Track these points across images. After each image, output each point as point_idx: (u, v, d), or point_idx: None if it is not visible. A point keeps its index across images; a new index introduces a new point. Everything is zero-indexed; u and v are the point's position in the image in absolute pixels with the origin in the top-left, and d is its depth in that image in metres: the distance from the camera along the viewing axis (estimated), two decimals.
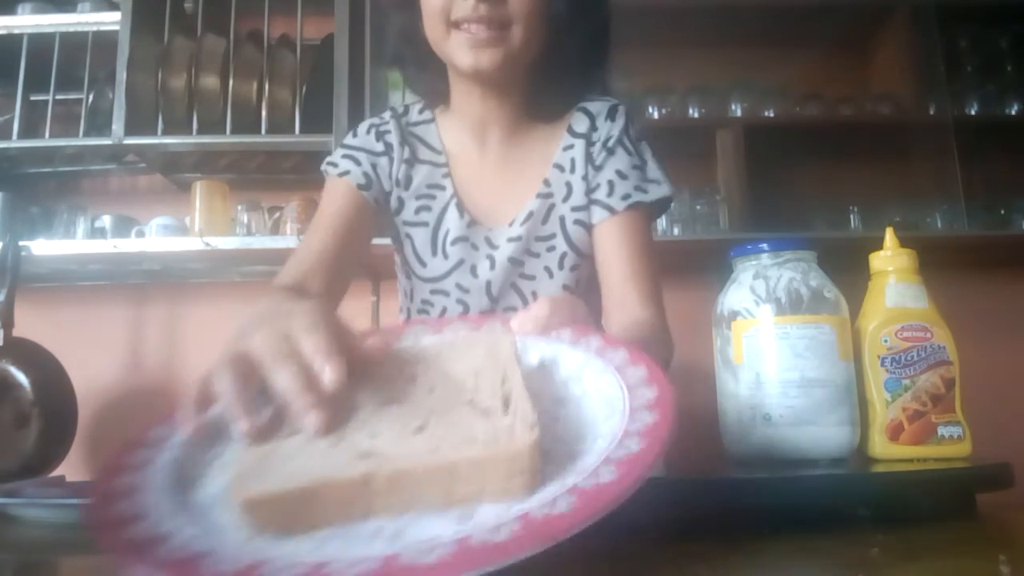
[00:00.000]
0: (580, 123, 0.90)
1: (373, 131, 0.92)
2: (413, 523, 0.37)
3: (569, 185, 0.88)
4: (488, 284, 0.88)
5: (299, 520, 0.37)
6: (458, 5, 0.76)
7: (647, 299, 0.82)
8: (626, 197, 0.86)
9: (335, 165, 0.91)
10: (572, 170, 0.88)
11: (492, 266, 0.87)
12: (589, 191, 0.88)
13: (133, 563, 0.34)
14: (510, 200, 0.89)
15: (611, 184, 0.86)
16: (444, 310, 0.89)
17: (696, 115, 1.96)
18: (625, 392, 0.45)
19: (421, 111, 0.94)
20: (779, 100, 1.97)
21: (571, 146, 0.89)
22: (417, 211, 0.90)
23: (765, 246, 0.68)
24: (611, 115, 0.89)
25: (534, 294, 0.87)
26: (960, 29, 1.97)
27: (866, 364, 0.66)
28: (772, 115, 1.96)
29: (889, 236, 0.70)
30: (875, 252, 0.70)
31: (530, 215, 0.88)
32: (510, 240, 0.87)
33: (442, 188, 0.90)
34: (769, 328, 0.64)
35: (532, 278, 0.88)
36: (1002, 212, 1.92)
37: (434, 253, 0.89)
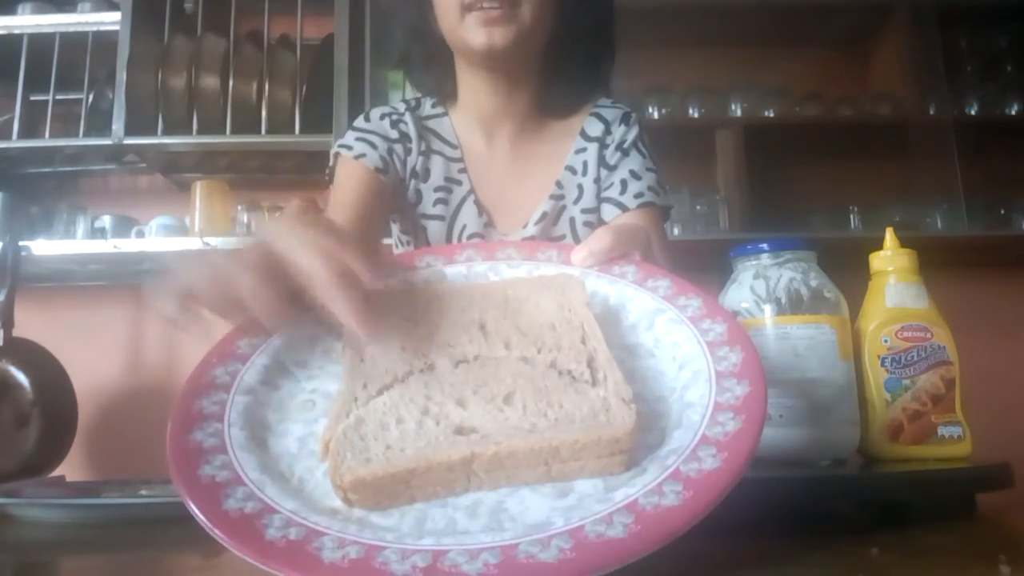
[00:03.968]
0: (593, 127, 0.92)
1: (387, 119, 0.91)
2: (510, 496, 0.37)
3: (580, 188, 0.90)
4: None
5: (399, 497, 0.37)
6: None
7: None
8: (639, 196, 0.88)
9: (349, 148, 0.89)
10: (584, 173, 0.90)
11: None
12: (603, 187, 0.90)
13: (242, 547, 0.34)
14: (522, 200, 0.90)
15: (624, 183, 0.88)
16: None
17: (696, 115, 1.96)
18: (707, 353, 0.43)
19: (433, 105, 0.94)
20: (779, 100, 1.97)
21: (584, 149, 0.91)
22: (435, 203, 0.90)
23: (765, 246, 0.68)
24: (625, 121, 0.92)
25: None
26: (960, 29, 1.97)
27: (866, 364, 0.66)
28: (772, 115, 1.96)
29: (889, 236, 0.70)
30: (875, 252, 0.70)
31: (543, 215, 0.89)
32: (524, 239, 0.88)
33: (459, 183, 0.90)
34: (769, 328, 0.64)
35: None
36: (1002, 212, 1.93)
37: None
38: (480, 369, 0.43)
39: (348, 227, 0.81)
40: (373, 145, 0.88)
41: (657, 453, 0.38)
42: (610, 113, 0.93)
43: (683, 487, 0.35)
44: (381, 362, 0.44)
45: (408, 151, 0.90)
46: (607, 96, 0.96)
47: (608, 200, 0.89)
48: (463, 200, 0.90)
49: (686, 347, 0.44)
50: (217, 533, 0.35)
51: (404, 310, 0.49)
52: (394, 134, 0.90)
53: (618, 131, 0.91)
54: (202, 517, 0.36)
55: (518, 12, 0.80)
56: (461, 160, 0.91)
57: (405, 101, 0.95)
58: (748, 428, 0.37)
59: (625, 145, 0.90)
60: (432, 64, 0.91)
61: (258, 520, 0.35)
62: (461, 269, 0.55)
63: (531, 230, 0.88)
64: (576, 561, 0.31)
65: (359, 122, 0.92)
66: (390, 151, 0.88)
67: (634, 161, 0.90)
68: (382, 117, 0.92)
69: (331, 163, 0.92)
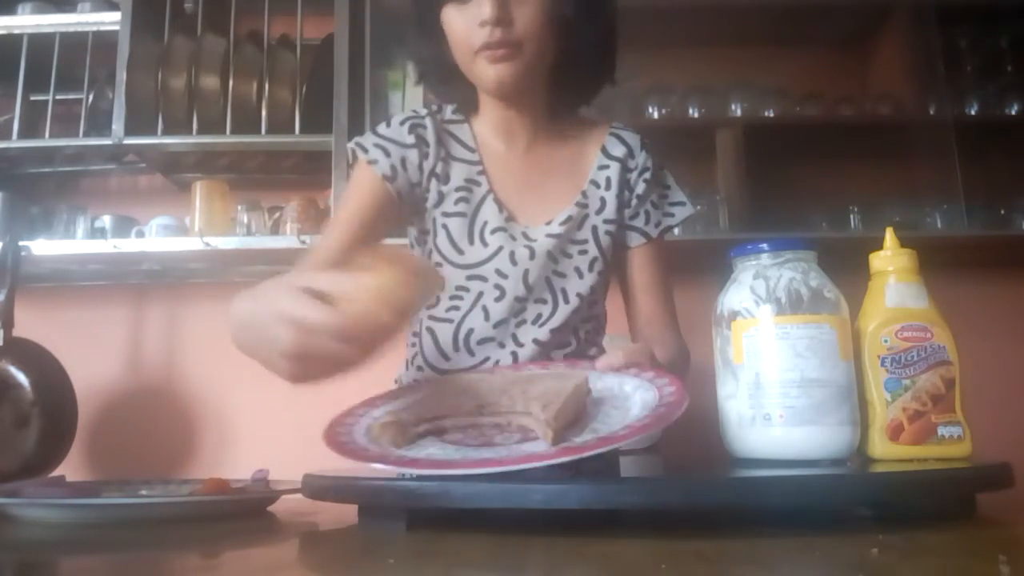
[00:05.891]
0: (615, 147, 1.00)
1: (407, 124, 0.98)
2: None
3: (603, 200, 0.98)
4: (526, 273, 0.93)
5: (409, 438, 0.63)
6: (477, 34, 0.87)
7: (670, 315, 1.01)
8: (658, 224, 1.01)
9: (365, 150, 0.96)
10: (608, 188, 0.98)
11: (532, 256, 0.93)
12: (628, 215, 1.00)
13: (349, 455, 0.59)
14: (544, 202, 0.97)
15: (647, 214, 1.00)
16: (480, 295, 0.93)
17: (696, 115, 1.96)
18: (658, 400, 0.65)
19: (455, 111, 1.02)
20: (779, 100, 1.96)
21: (607, 166, 0.99)
22: (456, 202, 0.96)
23: (765, 246, 0.68)
24: (644, 147, 1.02)
25: (564, 291, 0.94)
26: (960, 29, 1.97)
27: (866, 364, 0.66)
28: (772, 115, 1.95)
29: (889, 236, 0.70)
30: (875, 252, 0.70)
31: (568, 219, 0.96)
32: (548, 236, 0.94)
33: (478, 184, 0.97)
34: (769, 328, 0.64)
35: (564, 276, 0.95)
36: (1002, 212, 1.92)
37: (471, 242, 0.95)
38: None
39: (344, 244, 0.93)
40: (387, 153, 0.95)
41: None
42: (630, 137, 1.02)
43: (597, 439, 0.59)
44: (428, 401, 0.69)
45: (425, 155, 0.97)
46: (612, 83, 1.01)
47: (635, 229, 1.00)
48: (483, 199, 0.96)
49: (649, 394, 0.67)
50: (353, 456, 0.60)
51: (463, 379, 0.77)
52: (411, 140, 0.96)
53: (640, 156, 1.01)
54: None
55: (522, 50, 0.88)
56: (480, 163, 0.98)
57: (428, 107, 1.02)
58: (639, 429, 0.59)
59: (647, 175, 1.00)
60: (450, 82, 0.98)
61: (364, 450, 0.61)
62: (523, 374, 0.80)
63: (556, 229, 0.95)
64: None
65: (380, 127, 0.99)
66: (403, 160, 0.96)
67: (654, 191, 1.01)
68: (402, 123, 0.98)
69: (350, 159, 1.00)
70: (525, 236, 0.94)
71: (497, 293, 0.93)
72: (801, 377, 0.63)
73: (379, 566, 0.46)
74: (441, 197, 0.96)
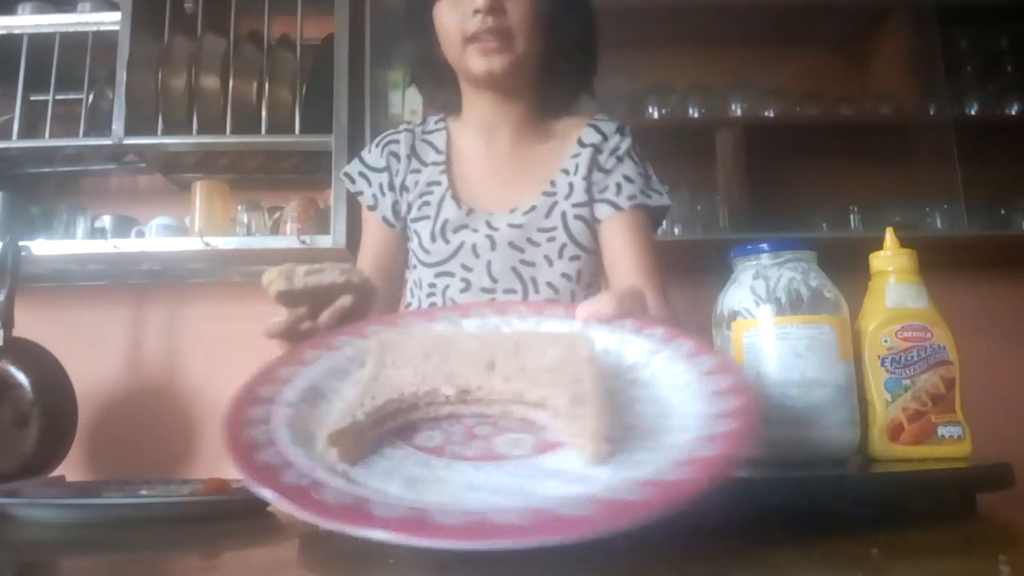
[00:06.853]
0: (590, 136, 1.00)
1: (381, 146, 1.03)
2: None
3: (571, 185, 0.97)
4: (489, 264, 0.94)
5: (366, 447, 0.44)
6: (469, 22, 0.89)
7: (654, 290, 0.92)
8: (632, 198, 0.97)
9: (352, 180, 1.03)
10: (575, 173, 0.98)
11: (492, 247, 0.94)
12: (596, 191, 0.97)
13: (264, 485, 0.38)
14: (512, 192, 0.97)
15: (619, 186, 0.97)
16: (447, 288, 0.95)
17: (696, 115, 1.96)
18: (701, 379, 0.48)
19: (437, 121, 1.05)
20: (779, 100, 1.97)
21: (578, 154, 0.99)
22: (420, 207, 0.98)
23: (765, 246, 0.68)
24: (620, 131, 1.01)
25: (533, 280, 0.94)
26: (960, 29, 1.97)
27: (866, 364, 0.66)
28: (772, 115, 1.96)
29: (889, 236, 0.70)
30: (875, 252, 0.70)
31: (532, 208, 0.96)
32: (511, 226, 0.95)
33: (438, 183, 0.99)
34: (769, 328, 0.64)
35: (532, 264, 0.95)
36: (1002, 212, 1.92)
37: (434, 240, 0.96)
38: (475, 404, 0.49)
39: (374, 256, 0.99)
40: (369, 182, 1.02)
41: (640, 468, 0.41)
42: (607, 126, 1.01)
43: (651, 490, 0.38)
44: (391, 381, 0.49)
45: (396, 172, 1.01)
46: (591, 92, 1.04)
47: (604, 201, 0.97)
48: (442, 198, 0.98)
49: (682, 376, 0.50)
50: (282, 501, 0.39)
51: (423, 345, 0.54)
52: (381, 163, 1.01)
53: (613, 139, 1.00)
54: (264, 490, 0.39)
55: (513, 43, 0.90)
56: (443, 163, 1.00)
57: (408, 123, 1.06)
58: (740, 430, 0.42)
59: (619, 152, 0.99)
60: (439, 84, 1.01)
61: (311, 490, 0.40)
62: (476, 320, 0.61)
63: (519, 219, 0.95)
64: (529, 527, 0.36)
65: (364, 153, 1.05)
66: (380, 185, 1.01)
67: (628, 167, 0.98)
68: (378, 144, 1.03)
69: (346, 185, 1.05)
70: (488, 224, 0.95)
71: (463, 285, 0.95)
72: (801, 377, 0.63)
73: (379, 566, 0.46)
74: (410, 207, 1.00)
